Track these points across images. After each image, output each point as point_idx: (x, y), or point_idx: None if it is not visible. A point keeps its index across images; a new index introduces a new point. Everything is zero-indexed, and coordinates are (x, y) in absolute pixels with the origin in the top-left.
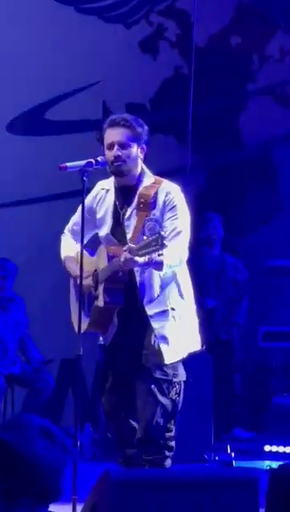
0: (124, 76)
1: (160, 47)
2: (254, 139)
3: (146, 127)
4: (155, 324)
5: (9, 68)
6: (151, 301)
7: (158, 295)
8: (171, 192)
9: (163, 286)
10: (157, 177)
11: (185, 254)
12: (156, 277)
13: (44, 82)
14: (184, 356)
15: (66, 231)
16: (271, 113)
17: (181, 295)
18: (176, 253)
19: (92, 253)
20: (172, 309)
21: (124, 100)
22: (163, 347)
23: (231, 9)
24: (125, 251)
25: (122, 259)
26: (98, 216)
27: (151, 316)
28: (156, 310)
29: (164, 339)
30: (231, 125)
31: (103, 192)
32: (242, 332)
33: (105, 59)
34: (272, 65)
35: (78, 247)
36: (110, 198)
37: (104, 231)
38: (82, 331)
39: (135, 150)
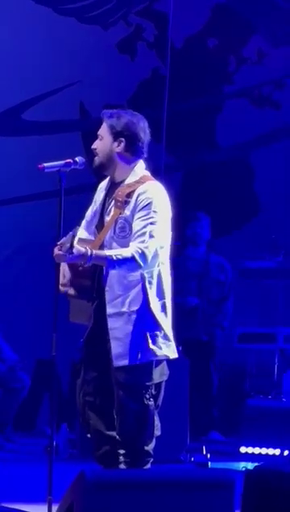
0: (101, 77)
1: (138, 48)
2: (231, 141)
3: (123, 120)
4: (110, 324)
5: None
6: (112, 300)
7: (119, 296)
8: (146, 192)
9: (127, 288)
10: (146, 175)
11: (150, 255)
12: (120, 277)
13: (21, 82)
14: (150, 359)
15: (82, 222)
16: (248, 114)
17: (148, 299)
18: (131, 252)
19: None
20: (133, 312)
21: (101, 101)
22: (114, 349)
23: (208, 10)
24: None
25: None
26: (94, 208)
27: (108, 315)
28: (115, 310)
29: (117, 340)
30: (207, 126)
31: (104, 185)
32: (225, 335)
33: (82, 60)
34: (249, 67)
35: (85, 237)
36: (104, 191)
37: (94, 224)
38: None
39: (108, 142)
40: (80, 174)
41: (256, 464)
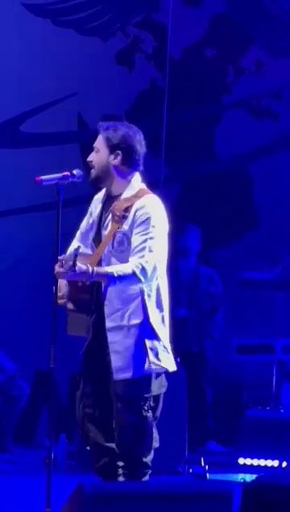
0: (100, 89)
1: (136, 59)
2: (229, 152)
3: (120, 132)
4: (110, 337)
5: None
6: (111, 314)
7: (118, 310)
8: (144, 207)
9: (126, 302)
10: (143, 189)
11: (150, 270)
12: (119, 291)
13: (19, 94)
14: (150, 372)
15: (77, 234)
16: (246, 125)
17: (148, 312)
18: (131, 267)
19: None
20: (132, 326)
21: (100, 112)
22: (114, 362)
23: (207, 21)
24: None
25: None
26: (91, 220)
27: (108, 329)
28: (114, 324)
29: (117, 354)
30: (206, 137)
31: (100, 197)
32: (215, 345)
33: (80, 71)
34: (247, 78)
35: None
36: (101, 204)
37: (91, 236)
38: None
39: (104, 155)
40: (79, 186)
41: (255, 475)
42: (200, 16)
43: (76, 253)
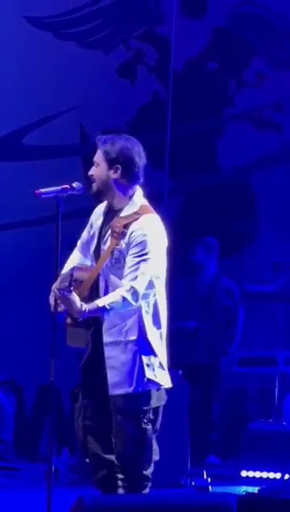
0: (102, 101)
1: (138, 71)
2: (232, 164)
3: (118, 146)
4: (107, 352)
5: None
6: (109, 329)
7: (116, 325)
8: (141, 228)
9: (124, 317)
10: (145, 205)
11: (141, 291)
12: None
13: (22, 107)
14: (146, 389)
15: (78, 243)
16: (248, 137)
17: (145, 329)
18: (121, 295)
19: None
20: (129, 341)
21: (102, 125)
22: (111, 378)
23: (209, 34)
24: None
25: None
26: (92, 232)
27: (105, 344)
28: (112, 339)
29: (113, 369)
30: (208, 149)
31: (102, 209)
32: (228, 361)
33: (82, 84)
34: (249, 90)
35: (78, 260)
36: (102, 217)
37: (92, 249)
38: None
39: (104, 169)
40: (79, 198)
41: (257, 488)
42: (202, 29)
43: (71, 274)
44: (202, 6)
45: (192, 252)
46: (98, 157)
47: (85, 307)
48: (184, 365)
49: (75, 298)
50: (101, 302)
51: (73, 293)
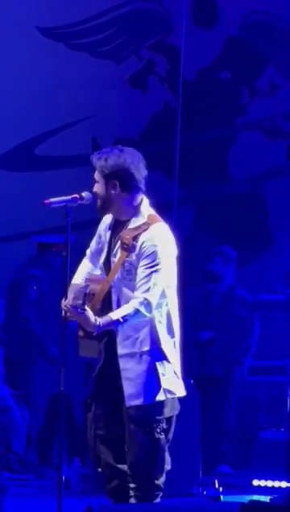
0: (114, 111)
1: (150, 81)
2: (244, 173)
3: (110, 161)
4: (122, 364)
5: None
6: (123, 341)
7: (130, 336)
8: (151, 239)
9: (137, 329)
10: (152, 215)
11: (155, 302)
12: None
13: (34, 117)
14: (162, 398)
15: (87, 252)
16: (261, 146)
17: (159, 338)
18: (134, 307)
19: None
20: (144, 352)
21: (114, 135)
22: (127, 390)
23: (221, 43)
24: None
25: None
26: (100, 244)
27: (120, 356)
28: (126, 351)
29: (129, 380)
30: (221, 158)
31: (109, 221)
32: (243, 372)
33: (94, 94)
34: (262, 99)
35: (88, 270)
36: (110, 229)
37: (101, 260)
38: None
39: (102, 186)
40: (89, 208)
41: (269, 497)
42: (215, 38)
43: (85, 292)
44: (214, 15)
45: (211, 262)
46: (96, 174)
47: (99, 321)
48: (198, 375)
49: (89, 314)
50: (114, 315)
51: (87, 309)
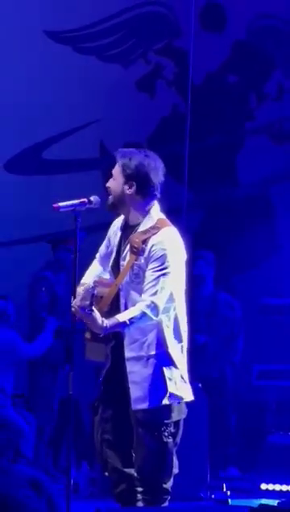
0: (121, 115)
1: (157, 85)
2: (252, 177)
3: (134, 162)
4: (129, 367)
5: (6, 106)
6: (130, 344)
7: (137, 340)
8: (160, 242)
9: (144, 332)
10: (162, 219)
11: (162, 306)
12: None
13: (41, 121)
14: (169, 402)
15: (97, 255)
16: (269, 151)
17: (166, 342)
18: (141, 309)
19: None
20: (151, 356)
21: (121, 139)
22: (133, 393)
23: (229, 47)
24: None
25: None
26: (110, 248)
27: (127, 359)
28: (133, 354)
29: (135, 384)
30: (229, 163)
31: (119, 224)
32: (236, 371)
33: (102, 98)
34: (270, 103)
35: (98, 272)
36: (120, 233)
37: (110, 263)
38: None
39: (120, 184)
40: (98, 212)
41: (277, 500)
42: (222, 42)
43: (92, 293)
44: (222, 19)
45: (195, 266)
46: (116, 170)
47: (106, 322)
48: (198, 378)
49: (96, 315)
50: (121, 317)
51: (95, 310)
